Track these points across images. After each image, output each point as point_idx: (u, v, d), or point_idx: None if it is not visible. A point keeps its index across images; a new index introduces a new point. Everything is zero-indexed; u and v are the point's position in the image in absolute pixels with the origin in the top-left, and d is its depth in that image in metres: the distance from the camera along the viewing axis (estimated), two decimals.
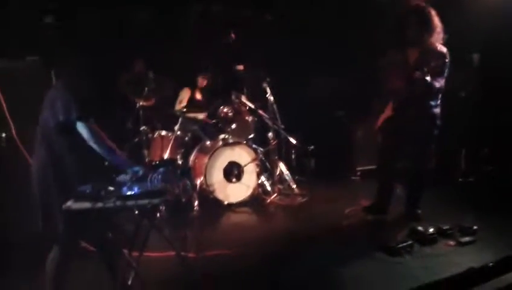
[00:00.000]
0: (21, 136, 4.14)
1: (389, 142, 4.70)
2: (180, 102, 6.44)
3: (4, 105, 4.17)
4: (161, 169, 2.90)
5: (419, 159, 4.63)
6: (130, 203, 2.73)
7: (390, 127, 4.64)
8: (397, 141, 4.61)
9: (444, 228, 4.12)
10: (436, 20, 4.31)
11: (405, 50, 4.45)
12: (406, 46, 4.44)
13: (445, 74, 4.33)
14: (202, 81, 6.67)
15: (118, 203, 2.67)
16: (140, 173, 2.86)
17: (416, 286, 1.78)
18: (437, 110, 4.45)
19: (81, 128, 2.84)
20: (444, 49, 4.33)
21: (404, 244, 3.84)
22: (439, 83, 4.29)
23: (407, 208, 4.72)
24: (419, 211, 4.62)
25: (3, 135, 4.26)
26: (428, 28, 4.29)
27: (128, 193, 2.73)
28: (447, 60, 4.28)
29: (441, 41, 4.36)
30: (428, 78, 4.16)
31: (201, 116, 6.33)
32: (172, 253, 3.44)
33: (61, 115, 2.83)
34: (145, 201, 2.76)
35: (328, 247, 4.13)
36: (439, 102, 4.45)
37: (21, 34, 4.95)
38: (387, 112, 4.63)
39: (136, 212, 3.44)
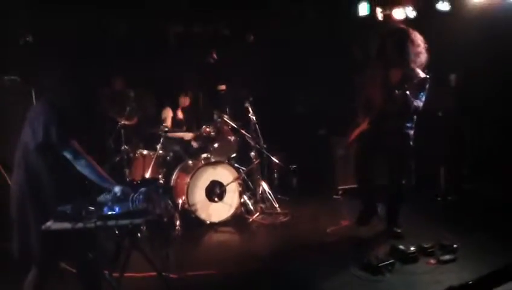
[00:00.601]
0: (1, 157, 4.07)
1: (363, 154, 4.80)
2: (163, 121, 6.39)
3: None
4: (143, 189, 2.88)
5: (394, 175, 4.70)
6: (111, 223, 2.70)
7: (365, 140, 4.71)
8: (371, 154, 4.73)
9: (425, 246, 4.15)
10: (416, 44, 4.38)
11: (387, 69, 4.53)
12: (387, 66, 4.52)
13: (423, 98, 4.40)
14: (185, 101, 6.68)
15: (99, 223, 2.65)
16: (122, 192, 2.83)
17: None
18: (411, 132, 4.54)
19: (65, 150, 2.82)
20: (424, 76, 4.38)
21: (386, 262, 3.85)
22: (417, 103, 4.36)
23: (387, 226, 4.75)
24: (399, 230, 4.65)
25: None
26: (408, 50, 4.37)
27: (109, 212, 2.71)
28: (426, 86, 4.34)
29: (424, 64, 4.44)
30: (408, 93, 4.23)
31: (186, 136, 6.31)
32: (154, 273, 3.40)
33: (41, 136, 2.80)
34: (127, 221, 2.74)
35: (311, 266, 4.12)
36: (413, 124, 4.54)
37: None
38: (363, 126, 4.70)
39: (117, 232, 3.40)
